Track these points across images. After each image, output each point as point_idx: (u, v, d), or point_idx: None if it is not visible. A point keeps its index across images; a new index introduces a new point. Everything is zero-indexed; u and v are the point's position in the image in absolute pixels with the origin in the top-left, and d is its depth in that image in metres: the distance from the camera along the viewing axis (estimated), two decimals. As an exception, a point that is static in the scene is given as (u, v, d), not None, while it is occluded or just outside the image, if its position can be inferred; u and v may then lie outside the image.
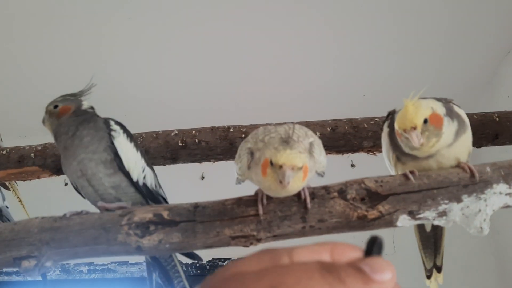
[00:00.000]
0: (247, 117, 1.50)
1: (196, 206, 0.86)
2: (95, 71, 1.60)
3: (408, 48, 1.93)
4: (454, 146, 0.89)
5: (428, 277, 1.07)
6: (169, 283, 1.10)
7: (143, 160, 1.07)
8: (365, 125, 1.42)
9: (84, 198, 1.07)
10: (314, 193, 0.85)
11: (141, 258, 1.87)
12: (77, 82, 1.15)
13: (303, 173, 0.76)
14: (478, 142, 1.46)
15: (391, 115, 0.99)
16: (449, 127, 0.88)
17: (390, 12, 1.77)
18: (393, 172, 1.00)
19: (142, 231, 0.83)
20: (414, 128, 0.83)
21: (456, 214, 0.83)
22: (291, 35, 1.82)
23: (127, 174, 1.02)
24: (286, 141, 0.76)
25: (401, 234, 2.06)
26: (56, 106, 1.09)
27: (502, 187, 0.83)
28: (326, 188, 0.86)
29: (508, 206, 0.84)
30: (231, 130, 1.41)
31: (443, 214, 0.83)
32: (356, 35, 1.85)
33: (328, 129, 1.42)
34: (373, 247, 0.31)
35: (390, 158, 0.99)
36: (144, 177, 1.06)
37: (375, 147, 1.43)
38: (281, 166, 0.74)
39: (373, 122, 1.42)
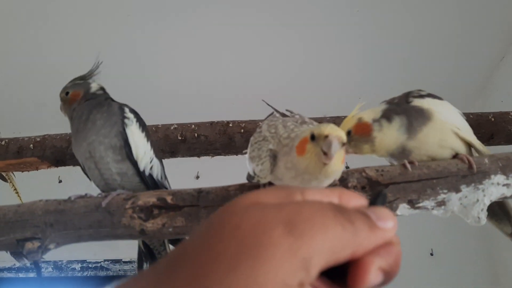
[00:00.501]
0: (246, 113, 1.51)
1: (199, 191, 0.87)
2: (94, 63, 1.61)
3: (405, 52, 1.96)
4: (420, 138, 0.91)
5: None
6: None
7: (152, 151, 1.08)
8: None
9: (90, 180, 1.08)
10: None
11: (134, 256, 1.86)
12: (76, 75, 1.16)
13: (343, 154, 0.71)
14: (473, 142, 1.49)
15: None
16: (384, 129, 0.90)
17: (387, 16, 1.79)
18: None
19: (146, 214, 0.84)
20: (343, 144, 0.86)
21: (455, 204, 0.85)
22: (291, 32, 1.84)
23: (134, 163, 1.02)
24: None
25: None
26: (67, 93, 1.10)
27: (499, 178, 0.85)
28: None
29: (505, 197, 0.86)
30: (230, 125, 1.42)
31: (442, 203, 0.85)
32: (354, 36, 1.87)
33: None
34: (378, 199, 0.33)
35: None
36: (151, 168, 1.06)
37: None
38: (326, 137, 0.68)
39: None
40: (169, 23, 1.77)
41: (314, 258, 0.27)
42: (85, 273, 2.22)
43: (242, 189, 0.87)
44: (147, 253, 1.12)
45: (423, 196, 0.85)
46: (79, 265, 2.23)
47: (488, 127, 1.46)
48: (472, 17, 1.79)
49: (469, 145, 0.98)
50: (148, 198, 0.86)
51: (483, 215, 0.84)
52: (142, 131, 1.05)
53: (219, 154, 1.45)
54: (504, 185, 0.84)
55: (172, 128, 1.41)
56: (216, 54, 1.91)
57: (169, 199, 0.86)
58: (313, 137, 0.70)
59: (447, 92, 2.06)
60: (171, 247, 1.12)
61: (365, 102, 0.92)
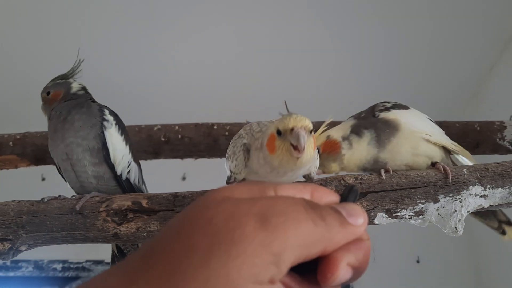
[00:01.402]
0: (231, 115, 1.50)
1: (176, 195, 0.85)
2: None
3: (396, 60, 1.96)
4: (390, 149, 0.91)
5: (503, 233, 1.06)
6: None
7: (130, 155, 1.06)
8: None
9: (66, 181, 1.06)
10: (293, 187, 0.86)
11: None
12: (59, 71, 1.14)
13: (313, 140, 0.70)
14: (458, 150, 1.49)
15: None
16: (354, 144, 0.91)
17: (379, 24, 1.79)
18: None
19: (120, 218, 0.83)
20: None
21: (432, 214, 0.84)
22: (280, 35, 1.83)
23: (111, 166, 1.00)
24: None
25: (381, 243, 2.09)
26: (48, 93, 1.09)
27: (477, 189, 0.84)
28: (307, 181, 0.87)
29: (482, 208, 0.85)
30: (215, 127, 1.42)
31: (419, 213, 0.85)
32: (345, 43, 1.87)
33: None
34: (349, 195, 0.34)
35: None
36: (129, 172, 1.04)
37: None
38: (292, 129, 0.67)
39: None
40: (156, 21, 1.75)
41: (285, 253, 0.27)
42: (66, 274, 2.19)
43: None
44: (120, 257, 1.11)
45: (401, 205, 0.84)
46: (60, 265, 2.19)
47: (473, 136, 1.47)
48: (462, 26, 1.80)
49: (447, 149, 0.98)
50: (123, 201, 0.85)
51: (461, 226, 0.83)
52: (121, 134, 1.03)
53: (203, 156, 1.44)
54: (481, 196, 0.84)
55: (155, 128, 1.40)
56: (204, 54, 1.90)
57: (144, 202, 0.84)
58: (279, 132, 0.69)
59: (437, 100, 2.09)
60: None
61: (332, 117, 0.91)
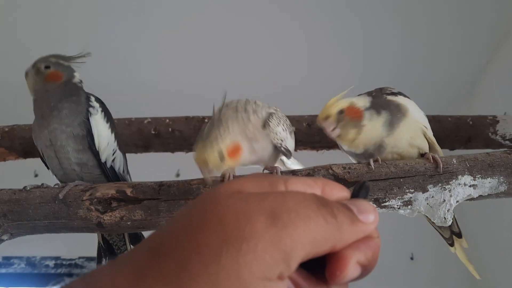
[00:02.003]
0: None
1: (161, 184, 0.84)
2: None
3: (391, 55, 1.95)
4: (396, 134, 0.90)
5: (451, 244, 1.07)
6: None
7: (116, 143, 1.05)
8: (340, 122, 1.42)
9: (48, 168, 1.04)
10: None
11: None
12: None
13: (228, 156, 0.78)
14: (451, 144, 1.48)
15: None
16: (373, 120, 0.89)
17: (375, 20, 1.78)
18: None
19: (103, 207, 0.81)
20: (326, 119, 0.87)
21: (421, 204, 0.83)
22: (270, 29, 1.81)
23: (96, 154, 0.99)
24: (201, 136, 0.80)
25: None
26: (47, 67, 1.02)
27: (466, 178, 0.83)
28: (294, 172, 0.86)
29: (472, 198, 0.84)
30: (206, 120, 1.40)
31: (408, 203, 0.84)
32: (341, 40, 1.86)
33: (304, 124, 1.43)
34: (360, 191, 0.33)
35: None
36: (113, 160, 1.03)
37: (349, 145, 1.44)
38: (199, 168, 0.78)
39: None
40: (148, 16, 1.74)
41: (295, 250, 0.27)
42: (59, 270, 2.17)
43: (204, 183, 0.85)
44: (107, 249, 1.09)
45: (390, 195, 0.83)
46: (53, 262, 2.17)
47: (466, 130, 1.46)
48: (458, 22, 1.79)
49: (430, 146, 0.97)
50: (107, 190, 0.84)
51: (449, 216, 0.83)
52: (107, 121, 1.02)
53: (194, 150, 1.43)
54: (471, 185, 0.83)
55: (145, 122, 1.39)
56: (195, 48, 1.88)
57: (128, 191, 0.83)
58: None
59: (432, 96, 2.09)
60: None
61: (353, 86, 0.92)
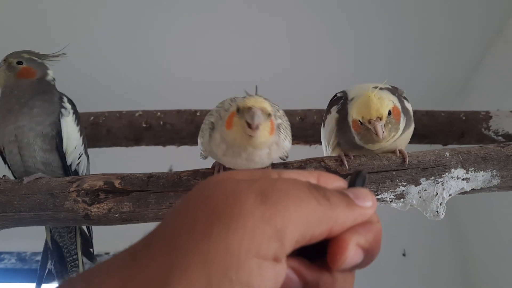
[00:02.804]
0: (215, 102, 1.47)
1: (150, 176, 0.83)
2: (60, 47, 1.54)
3: (386, 52, 1.95)
4: (400, 139, 0.88)
5: None
6: (63, 274, 1.04)
7: (82, 147, 1.04)
8: (335, 117, 1.42)
9: (5, 163, 1.02)
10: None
11: (102, 250, 1.81)
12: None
13: (270, 125, 0.72)
14: (444, 139, 1.48)
15: (342, 100, 0.95)
16: (402, 124, 0.86)
17: (368, 14, 1.77)
18: (329, 153, 0.98)
19: (91, 198, 0.80)
20: (380, 119, 0.80)
21: (414, 197, 0.82)
22: (264, 23, 1.80)
23: (62, 156, 0.98)
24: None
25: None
26: (20, 62, 1.01)
27: (459, 172, 0.83)
28: (285, 164, 0.85)
29: (465, 192, 0.84)
30: (198, 114, 1.39)
31: (400, 196, 0.83)
32: (332, 31, 1.85)
33: (297, 118, 1.42)
34: (357, 180, 0.33)
35: (330, 142, 0.95)
36: (78, 164, 1.03)
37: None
38: (250, 108, 0.69)
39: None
40: (139, 8, 1.72)
41: (288, 228, 0.26)
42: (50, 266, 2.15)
43: (195, 175, 0.83)
44: (55, 251, 1.06)
45: (382, 188, 0.82)
46: (44, 257, 2.15)
47: (459, 125, 1.46)
48: (451, 19, 1.79)
49: None
50: (95, 181, 0.82)
51: (442, 210, 0.82)
52: (77, 124, 1.01)
53: (186, 143, 1.42)
54: (463, 179, 0.82)
55: (136, 115, 1.37)
56: (190, 40, 1.87)
57: (117, 183, 0.81)
58: (238, 110, 0.72)
59: (426, 92, 2.08)
60: (88, 256, 1.09)
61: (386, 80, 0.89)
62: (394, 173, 0.83)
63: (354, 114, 0.84)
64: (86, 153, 1.06)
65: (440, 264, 2.11)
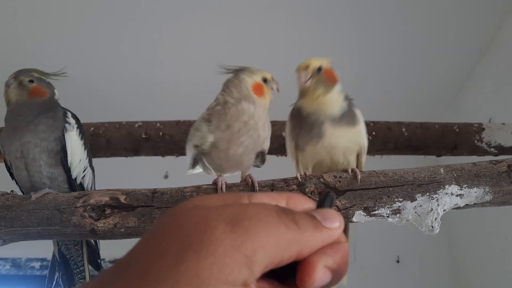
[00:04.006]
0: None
1: (154, 192, 0.85)
2: (60, 58, 1.56)
3: (378, 62, 1.97)
4: (339, 129, 0.95)
5: None
6: (70, 286, 1.06)
7: (87, 160, 1.06)
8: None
9: (12, 178, 1.04)
10: (273, 184, 0.87)
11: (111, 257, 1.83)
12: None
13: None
14: (437, 151, 1.51)
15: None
16: (339, 98, 0.97)
17: (362, 26, 1.80)
18: (294, 163, 1.04)
19: (97, 214, 0.82)
20: (306, 68, 0.95)
21: (409, 212, 0.85)
22: (258, 30, 1.82)
23: (67, 169, 1.00)
24: None
25: (362, 243, 2.11)
26: (31, 81, 1.03)
27: (453, 188, 0.86)
28: (285, 181, 0.88)
29: (458, 207, 0.87)
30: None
31: (397, 211, 0.85)
32: (330, 40, 1.87)
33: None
34: (325, 200, 0.34)
35: (291, 147, 1.02)
36: (83, 177, 1.05)
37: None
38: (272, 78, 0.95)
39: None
40: (137, 14, 1.72)
41: (257, 255, 0.27)
42: (44, 272, 2.14)
43: (198, 191, 0.86)
44: (62, 263, 1.08)
45: (379, 204, 0.85)
46: (39, 263, 2.15)
47: (452, 137, 1.49)
48: (444, 29, 1.82)
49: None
50: (101, 197, 0.84)
51: (437, 225, 0.85)
52: (81, 138, 1.04)
53: (184, 154, 1.43)
54: (457, 195, 0.85)
55: (136, 125, 1.39)
56: (186, 52, 1.88)
57: (122, 198, 0.84)
58: (265, 80, 0.95)
59: (418, 101, 2.12)
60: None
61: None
62: (390, 189, 0.86)
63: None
64: (91, 166, 1.08)
65: (433, 271, 2.15)
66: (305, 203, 0.34)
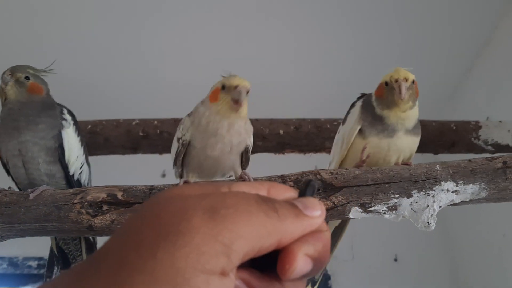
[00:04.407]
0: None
1: (151, 188, 0.85)
2: (57, 55, 1.55)
3: (376, 60, 1.97)
4: (407, 137, 1.00)
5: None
6: None
7: (84, 156, 1.07)
8: (328, 126, 1.45)
9: (8, 175, 1.04)
10: (270, 181, 0.87)
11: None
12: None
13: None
14: (435, 149, 1.52)
15: (366, 95, 1.09)
16: (417, 111, 1.01)
17: (359, 23, 1.81)
18: (344, 148, 1.06)
19: (94, 210, 0.82)
20: (406, 80, 0.96)
21: (406, 209, 0.86)
22: (258, 30, 1.82)
23: (65, 166, 1.00)
24: None
25: (360, 241, 2.11)
26: (27, 78, 1.01)
27: (449, 184, 0.86)
28: (282, 177, 0.88)
29: (454, 204, 0.87)
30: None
31: (393, 208, 0.86)
32: (328, 39, 1.88)
33: (292, 127, 1.45)
34: (307, 189, 0.33)
35: (352, 131, 1.03)
36: (80, 173, 1.05)
37: (336, 148, 1.47)
38: (235, 87, 0.86)
39: (336, 123, 1.46)
40: (135, 12, 1.72)
41: (236, 243, 0.27)
42: (41, 271, 2.14)
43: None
44: (60, 257, 1.09)
45: (376, 200, 0.85)
46: (36, 262, 2.14)
47: (450, 135, 1.50)
48: (441, 28, 1.82)
49: None
50: (98, 193, 0.84)
51: (433, 221, 0.85)
52: (78, 135, 1.04)
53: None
54: (453, 191, 0.86)
55: (134, 123, 1.40)
56: (183, 50, 1.89)
57: (119, 195, 0.84)
58: (223, 87, 0.89)
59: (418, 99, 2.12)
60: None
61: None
62: (387, 185, 0.86)
63: (384, 77, 0.99)
64: (87, 162, 1.09)
65: (431, 269, 2.15)
66: (286, 192, 0.34)
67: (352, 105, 1.11)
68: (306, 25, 1.81)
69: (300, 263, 0.29)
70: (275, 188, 0.33)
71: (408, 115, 0.98)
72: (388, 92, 0.97)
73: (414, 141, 1.03)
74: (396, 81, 0.96)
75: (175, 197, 0.29)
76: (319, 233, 0.31)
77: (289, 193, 0.34)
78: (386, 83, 0.98)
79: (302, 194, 0.33)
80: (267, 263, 0.30)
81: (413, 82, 0.97)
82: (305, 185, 0.34)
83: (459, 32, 1.84)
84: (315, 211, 0.31)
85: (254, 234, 0.28)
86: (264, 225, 0.28)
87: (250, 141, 0.96)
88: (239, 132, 0.91)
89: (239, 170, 0.95)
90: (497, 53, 1.82)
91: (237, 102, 0.85)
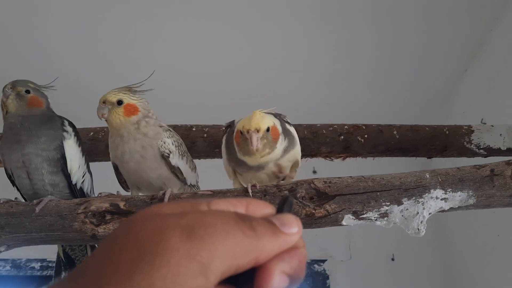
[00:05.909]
0: (209, 118, 1.52)
1: (152, 198, 0.89)
2: (60, 64, 1.58)
3: (370, 65, 1.99)
4: (280, 160, 1.01)
5: None
6: None
7: (85, 165, 1.11)
8: (324, 131, 1.47)
9: (13, 185, 1.08)
10: (266, 190, 0.90)
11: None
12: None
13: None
14: (428, 153, 1.54)
15: (229, 127, 1.08)
16: (281, 144, 0.99)
17: (354, 27, 1.82)
18: (232, 184, 1.09)
19: (98, 219, 0.86)
20: (258, 131, 0.93)
21: (396, 216, 0.89)
22: (258, 35, 1.84)
23: (67, 176, 1.04)
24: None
25: (357, 241, 2.14)
26: (28, 91, 1.04)
27: (438, 192, 0.90)
28: (278, 187, 0.91)
29: (443, 210, 0.90)
30: (194, 129, 1.44)
31: (384, 215, 0.89)
32: (323, 45, 1.90)
33: (287, 133, 1.47)
34: (284, 206, 0.34)
35: (229, 171, 1.07)
36: (83, 182, 1.09)
37: (332, 153, 1.49)
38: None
39: (331, 128, 1.48)
40: (135, 16, 1.74)
41: (213, 263, 0.27)
42: (44, 273, 2.16)
43: (194, 197, 0.89)
44: (67, 263, 1.13)
45: (367, 208, 0.89)
46: (39, 264, 2.16)
47: (442, 139, 1.52)
48: (435, 32, 1.84)
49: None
50: (101, 203, 0.88)
51: (423, 227, 0.88)
52: (79, 145, 1.08)
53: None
54: (442, 199, 0.89)
55: (133, 130, 1.41)
56: (183, 57, 1.91)
57: (121, 204, 0.87)
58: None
59: (410, 102, 2.15)
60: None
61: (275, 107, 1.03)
62: (378, 193, 0.90)
63: (238, 126, 0.97)
64: (89, 171, 1.12)
65: (427, 269, 2.18)
66: (264, 208, 0.34)
67: (223, 135, 1.12)
68: (302, 31, 1.83)
69: (276, 281, 0.30)
70: (253, 205, 0.34)
71: (270, 157, 0.98)
72: (243, 142, 0.95)
73: (290, 156, 1.03)
74: (248, 131, 0.93)
75: (154, 215, 0.30)
76: (296, 250, 0.32)
77: (267, 209, 0.34)
78: (241, 132, 0.95)
79: (279, 210, 0.34)
80: (246, 280, 0.30)
81: (268, 130, 0.94)
82: (282, 202, 0.34)
83: (453, 36, 1.86)
84: (292, 228, 0.32)
85: (232, 254, 0.28)
86: (242, 244, 0.29)
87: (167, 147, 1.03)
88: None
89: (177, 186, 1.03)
90: (491, 57, 1.84)
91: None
